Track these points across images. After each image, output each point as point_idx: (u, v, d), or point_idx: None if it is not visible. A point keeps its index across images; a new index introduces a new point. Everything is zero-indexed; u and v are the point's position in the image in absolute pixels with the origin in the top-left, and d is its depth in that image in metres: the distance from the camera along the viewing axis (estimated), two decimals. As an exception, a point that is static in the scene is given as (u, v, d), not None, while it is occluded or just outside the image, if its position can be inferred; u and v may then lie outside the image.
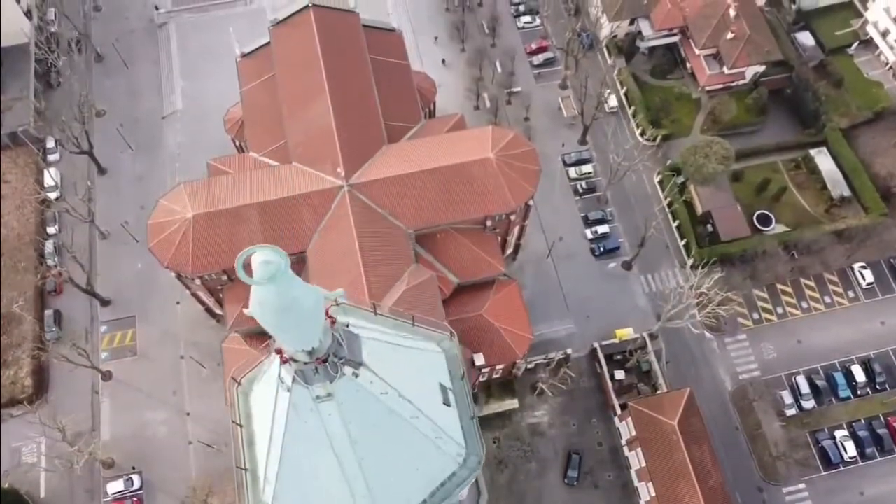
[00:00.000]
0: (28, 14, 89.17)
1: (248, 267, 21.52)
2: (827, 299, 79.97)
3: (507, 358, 66.37)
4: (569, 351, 73.96)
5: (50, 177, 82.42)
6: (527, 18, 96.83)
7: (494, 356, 65.80)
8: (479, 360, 64.59)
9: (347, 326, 26.33)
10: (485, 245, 67.53)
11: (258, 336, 65.77)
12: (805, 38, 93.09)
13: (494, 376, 70.96)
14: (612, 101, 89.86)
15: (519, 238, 75.75)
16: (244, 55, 75.42)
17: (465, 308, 66.07)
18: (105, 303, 77.05)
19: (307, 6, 70.74)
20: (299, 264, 64.03)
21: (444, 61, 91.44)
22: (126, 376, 74.12)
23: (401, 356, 27.66)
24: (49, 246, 78.71)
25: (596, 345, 74.15)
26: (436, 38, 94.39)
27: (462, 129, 72.08)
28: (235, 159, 70.62)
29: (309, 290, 22.24)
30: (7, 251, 77.82)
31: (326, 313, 23.99)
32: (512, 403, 73.31)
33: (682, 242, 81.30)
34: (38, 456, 69.69)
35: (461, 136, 67.94)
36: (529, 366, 73.30)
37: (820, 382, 75.32)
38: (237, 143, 77.33)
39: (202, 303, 71.17)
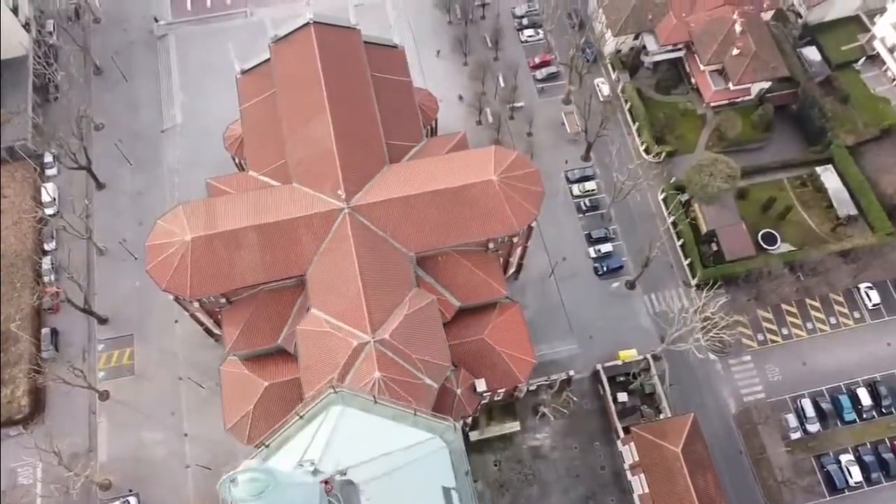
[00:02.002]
0: (26, 26, 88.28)
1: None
2: (832, 320, 79.06)
3: (509, 382, 65.53)
4: (571, 373, 73.08)
5: (47, 193, 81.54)
6: (530, 32, 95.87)
7: (496, 381, 64.97)
8: (481, 385, 63.74)
9: (345, 475, 25.10)
10: (486, 267, 66.69)
11: (257, 359, 65.13)
12: (811, 53, 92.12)
13: (496, 399, 70.09)
14: (606, 90, 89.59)
15: (521, 258, 74.89)
16: (244, 72, 74.56)
17: (466, 331, 65.27)
18: (102, 321, 76.21)
19: (308, 23, 69.93)
20: (299, 287, 63.38)
21: (461, 97, 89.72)
22: (123, 396, 73.31)
23: (402, 479, 26.70)
24: (46, 263, 77.86)
25: (599, 367, 73.26)
26: (438, 51, 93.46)
27: (464, 148, 71.32)
28: (235, 178, 69.81)
29: (301, 489, 21.32)
30: (4, 268, 76.97)
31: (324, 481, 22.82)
32: (513, 426, 72.48)
33: (687, 262, 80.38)
34: (34, 479, 68.91)
35: (463, 156, 67.09)
36: (531, 387, 72.45)
37: (825, 405, 74.42)
38: (237, 161, 76.49)
39: (200, 323, 70.39)
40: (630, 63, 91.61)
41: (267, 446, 31.46)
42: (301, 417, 29.92)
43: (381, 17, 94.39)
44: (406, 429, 28.28)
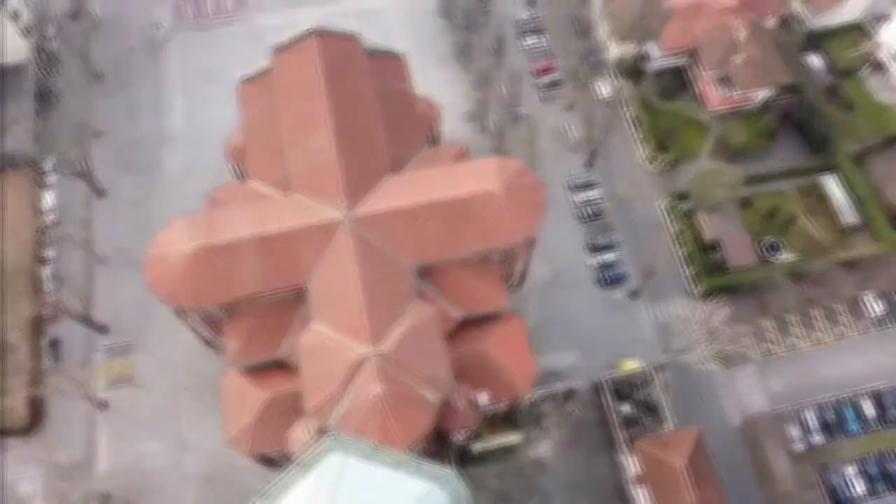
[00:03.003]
0: (26, 32, 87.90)
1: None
2: (837, 330, 78.54)
3: (511, 395, 65.10)
4: (573, 384, 72.68)
5: (47, 201, 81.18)
6: (533, 39, 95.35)
7: (498, 393, 64.55)
8: (482, 398, 63.31)
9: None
10: (488, 278, 66.24)
11: (257, 370, 64.73)
12: (815, 61, 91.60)
13: (497, 411, 69.61)
14: (605, 91, 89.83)
15: (523, 269, 74.36)
16: (245, 79, 74.14)
17: (467, 344, 64.77)
18: (102, 330, 75.89)
19: (309, 31, 69.46)
20: (299, 299, 62.89)
21: (467, 113, 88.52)
22: (123, 406, 72.94)
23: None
24: (46, 272, 77.54)
25: (601, 377, 72.86)
26: (440, 59, 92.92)
27: (467, 158, 70.90)
28: (235, 189, 69.37)
29: None
30: (3, 277, 76.62)
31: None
32: (514, 437, 71.97)
33: (690, 271, 79.90)
34: (33, 491, 68.55)
35: (465, 167, 66.66)
36: (532, 398, 71.94)
37: (829, 417, 73.90)
38: (237, 170, 76.02)
39: (200, 335, 69.96)
40: (633, 70, 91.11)
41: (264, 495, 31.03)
42: (298, 466, 29.47)
43: (383, 24, 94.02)
44: (407, 479, 27.65)
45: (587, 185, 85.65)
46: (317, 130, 65.70)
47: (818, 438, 73.01)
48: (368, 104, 68.73)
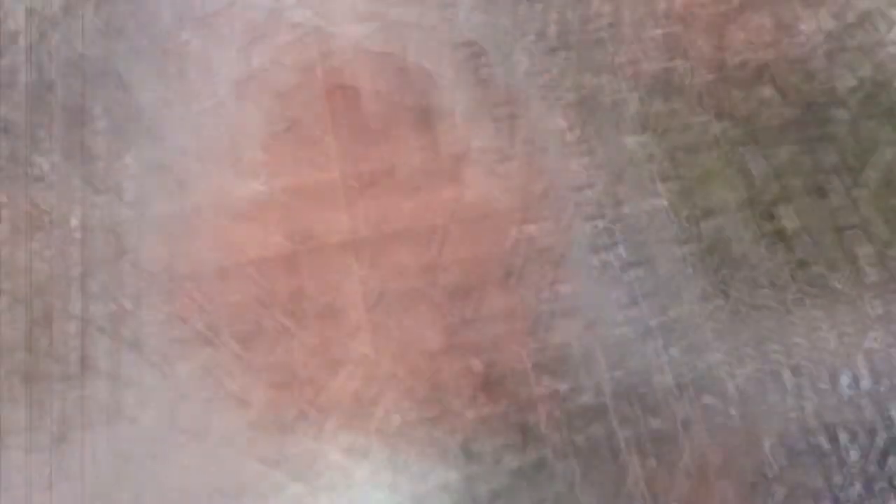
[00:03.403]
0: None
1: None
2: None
3: (513, 395, 64.76)
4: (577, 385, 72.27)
5: (48, 201, 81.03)
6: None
7: (500, 393, 64.21)
8: (484, 398, 62.97)
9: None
10: (492, 278, 65.94)
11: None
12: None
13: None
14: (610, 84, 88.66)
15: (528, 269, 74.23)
16: (242, 78, 73.81)
17: (470, 345, 64.53)
18: (103, 330, 75.80)
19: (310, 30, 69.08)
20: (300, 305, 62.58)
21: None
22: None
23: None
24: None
25: (603, 378, 72.34)
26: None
27: (471, 162, 70.53)
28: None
29: None
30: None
31: None
32: (515, 436, 71.80)
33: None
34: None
35: (469, 169, 66.21)
36: (535, 398, 71.82)
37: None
38: (237, 171, 75.97)
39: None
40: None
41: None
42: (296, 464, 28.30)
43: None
44: (407, 479, 26.85)
45: (589, 184, 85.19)
46: (317, 133, 65.32)
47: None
48: (371, 106, 68.23)
